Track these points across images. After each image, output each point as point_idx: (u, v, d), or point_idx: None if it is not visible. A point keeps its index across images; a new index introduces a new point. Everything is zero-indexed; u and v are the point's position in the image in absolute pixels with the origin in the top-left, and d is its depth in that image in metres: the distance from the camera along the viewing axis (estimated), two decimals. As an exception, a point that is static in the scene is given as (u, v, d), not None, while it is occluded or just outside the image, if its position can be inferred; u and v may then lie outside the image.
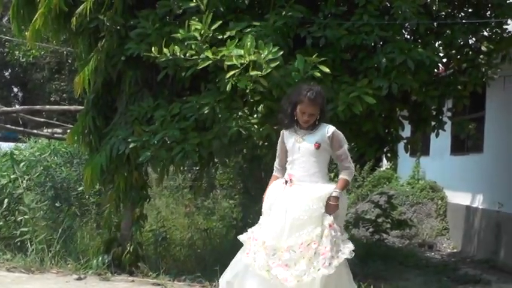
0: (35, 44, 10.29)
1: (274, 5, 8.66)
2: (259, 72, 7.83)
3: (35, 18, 9.39)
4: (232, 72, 7.96)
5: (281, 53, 7.96)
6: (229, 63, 7.96)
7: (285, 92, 8.25)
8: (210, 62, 8.16)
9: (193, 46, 8.28)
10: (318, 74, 7.96)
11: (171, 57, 8.29)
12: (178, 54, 8.25)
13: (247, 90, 8.20)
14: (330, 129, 5.91)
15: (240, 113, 8.54)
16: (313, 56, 8.10)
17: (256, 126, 8.50)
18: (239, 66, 7.90)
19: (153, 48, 8.39)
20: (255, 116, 8.60)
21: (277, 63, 7.92)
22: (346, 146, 6.02)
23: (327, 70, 8.04)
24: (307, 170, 5.87)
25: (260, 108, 8.59)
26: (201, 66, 8.25)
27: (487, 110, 13.86)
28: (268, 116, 8.73)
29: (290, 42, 8.66)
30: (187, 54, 8.27)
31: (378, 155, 10.37)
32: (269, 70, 7.84)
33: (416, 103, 9.59)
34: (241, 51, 7.96)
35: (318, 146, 5.84)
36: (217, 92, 8.62)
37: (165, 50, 8.29)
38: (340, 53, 8.79)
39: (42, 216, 10.96)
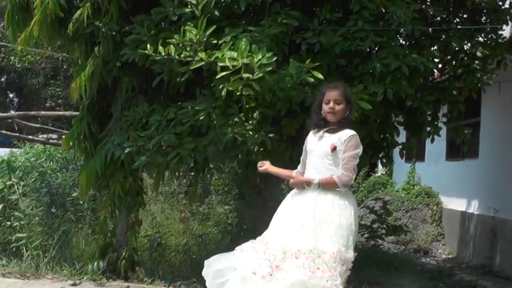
0: (30, 50, 10.27)
1: (270, 11, 8.65)
2: (250, 75, 7.80)
3: (31, 25, 9.37)
4: (223, 73, 7.93)
5: (275, 58, 7.92)
6: (222, 64, 7.94)
7: (278, 98, 8.28)
8: (203, 63, 8.12)
9: (188, 48, 8.26)
10: (312, 80, 7.96)
11: (165, 56, 8.26)
12: (173, 54, 8.23)
13: (238, 93, 8.17)
14: (349, 132, 5.78)
15: (235, 119, 8.53)
16: (307, 61, 8.09)
17: (251, 133, 8.49)
18: (231, 68, 7.87)
19: (148, 46, 8.34)
20: (250, 122, 8.59)
21: (270, 68, 7.87)
22: (354, 153, 5.74)
23: (320, 76, 8.02)
24: (320, 173, 5.74)
25: (255, 114, 8.58)
26: (194, 67, 8.20)
27: (482, 115, 13.91)
28: (264, 122, 8.73)
29: (285, 49, 8.65)
30: (182, 56, 8.25)
31: (373, 160, 10.39)
32: (261, 74, 7.81)
33: (412, 109, 9.58)
34: (235, 54, 7.94)
35: (333, 148, 5.69)
36: (213, 98, 8.62)
37: (160, 48, 8.25)
38: (335, 59, 8.78)
39: (38, 222, 10.94)
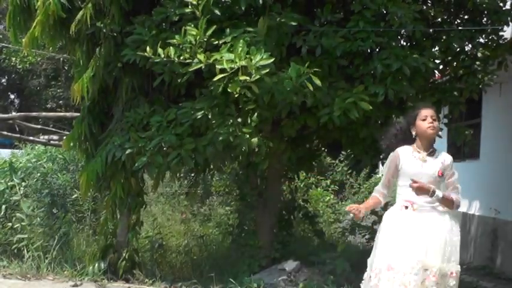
0: (31, 51, 10.25)
1: (270, 12, 8.63)
2: (247, 78, 7.76)
3: (33, 26, 9.35)
4: (221, 76, 7.89)
5: (272, 59, 7.88)
6: (220, 66, 7.90)
7: (277, 100, 8.25)
8: (202, 65, 8.08)
9: (188, 50, 8.23)
10: (310, 87, 7.92)
11: (165, 59, 8.23)
12: (172, 56, 8.19)
13: (236, 95, 8.14)
14: (448, 156, 5.89)
15: (231, 120, 8.49)
16: (307, 64, 8.05)
17: (247, 136, 8.45)
18: (229, 70, 7.83)
19: (147, 49, 8.32)
20: (249, 124, 8.56)
21: (267, 70, 7.82)
22: (457, 176, 5.86)
23: (319, 83, 7.98)
24: (425, 198, 5.66)
25: (254, 117, 8.56)
26: (193, 68, 8.17)
27: (483, 116, 13.86)
28: (263, 124, 8.73)
29: (283, 50, 8.63)
30: (182, 58, 8.22)
31: (374, 161, 10.37)
32: (258, 76, 7.77)
33: (413, 110, 9.57)
34: (232, 56, 7.90)
35: (441, 174, 5.72)
36: (211, 98, 8.60)
37: (159, 50, 8.22)
38: (336, 60, 8.77)
39: (39, 223, 10.95)
